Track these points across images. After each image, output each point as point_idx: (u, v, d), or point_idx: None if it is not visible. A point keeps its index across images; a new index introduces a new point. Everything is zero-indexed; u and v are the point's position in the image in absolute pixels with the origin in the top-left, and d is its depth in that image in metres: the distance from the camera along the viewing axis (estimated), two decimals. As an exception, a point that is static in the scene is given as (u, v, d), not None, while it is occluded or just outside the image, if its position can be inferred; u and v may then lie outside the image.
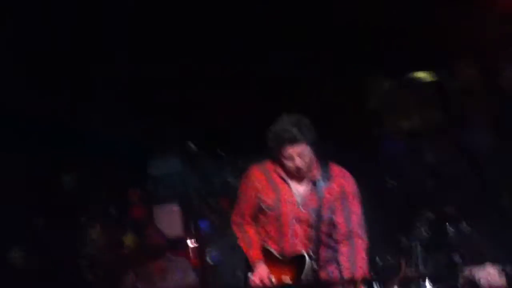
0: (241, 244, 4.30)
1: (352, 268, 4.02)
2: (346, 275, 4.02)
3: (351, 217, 4.12)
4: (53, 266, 6.09)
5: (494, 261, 4.29)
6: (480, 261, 4.40)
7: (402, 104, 8.18)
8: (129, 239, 6.10)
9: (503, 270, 4.18)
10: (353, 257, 4.06)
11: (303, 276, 3.99)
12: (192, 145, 4.21)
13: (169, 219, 6.19)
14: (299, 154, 3.99)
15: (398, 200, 6.47)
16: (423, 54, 7.13)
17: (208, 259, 5.59)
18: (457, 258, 4.79)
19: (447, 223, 5.24)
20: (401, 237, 5.64)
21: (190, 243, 6.20)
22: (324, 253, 4.10)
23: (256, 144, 4.84)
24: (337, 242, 4.11)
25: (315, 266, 4.01)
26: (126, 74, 6.68)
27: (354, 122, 7.26)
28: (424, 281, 4.53)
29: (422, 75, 7.92)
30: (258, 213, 4.24)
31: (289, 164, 4.03)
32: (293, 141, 3.97)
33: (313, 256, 4.01)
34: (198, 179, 6.65)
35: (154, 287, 5.48)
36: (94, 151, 6.71)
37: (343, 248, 4.09)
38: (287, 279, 4.02)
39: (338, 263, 4.15)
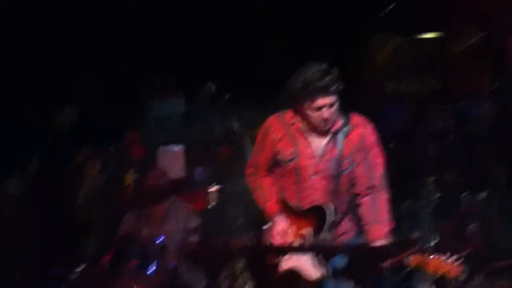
0: (257, 197, 4.21)
1: (374, 221, 3.93)
2: (367, 229, 3.95)
3: (372, 169, 4.01)
4: (49, 202, 6.00)
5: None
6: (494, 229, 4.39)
7: (404, 66, 8.14)
8: (129, 178, 6.00)
9: None
10: (375, 210, 3.96)
11: (324, 229, 3.95)
12: (213, 86, 4.08)
13: (171, 161, 6.08)
14: (329, 105, 3.86)
15: (402, 164, 6.45)
16: (428, 15, 7.08)
17: (209, 205, 5.53)
18: (471, 226, 4.75)
19: (458, 190, 5.17)
20: (406, 201, 5.64)
21: (192, 187, 6.13)
22: (343, 208, 4.03)
23: (266, 92, 4.74)
24: (357, 195, 4.02)
25: (335, 217, 3.94)
26: (132, 8, 6.52)
27: (356, 83, 7.19)
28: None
29: (426, 36, 7.86)
30: (274, 166, 4.16)
31: (315, 115, 3.89)
32: (326, 91, 3.81)
33: (334, 208, 3.94)
34: (202, 124, 6.55)
35: (154, 229, 5.42)
36: (97, 87, 6.58)
37: (364, 202, 4.00)
38: (306, 232, 3.98)
39: (355, 220, 4.12)
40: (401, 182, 5.92)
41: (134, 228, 5.47)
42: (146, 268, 5.03)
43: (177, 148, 6.02)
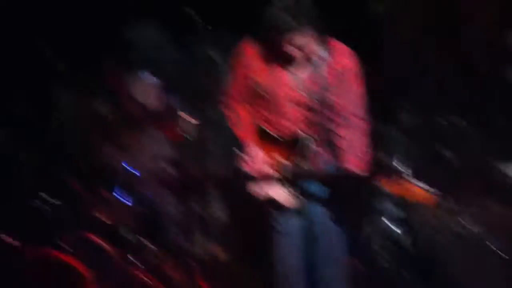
0: (232, 125, 4.20)
1: (351, 150, 3.92)
2: (346, 159, 3.93)
3: (350, 98, 3.94)
4: (22, 127, 5.90)
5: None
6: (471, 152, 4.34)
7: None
8: (103, 107, 5.87)
9: None
10: (353, 139, 3.94)
11: (300, 157, 3.91)
12: (194, 15, 3.97)
13: (145, 90, 5.93)
14: (298, 42, 3.73)
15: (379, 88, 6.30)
16: None
17: (184, 134, 5.45)
18: (446, 152, 4.69)
19: (437, 116, 5.05)
20: (383, 127, 5.55)
21: (169, 117, 6.02)
22: (320, 137, 4.00)
23: (248, 18, 4.58)
24: (335, 124, 3.97)
25: (312, 146, 3.92)
26: None
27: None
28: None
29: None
30: (251, 94, 4.10)
31: (285, 49, 3.79)
32: (293, 29, 3.67)
33: (311, 137, 3.91)
34: (179, 51, 6.38)
35: (128, 159, 5.37)
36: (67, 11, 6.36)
37: (342, 131, 3.96)
38: (282, 160, 3.94)
39: (332, 149, 4.09)
40: (378, 107, 5.85)
41: (108, 157, 5.42)
42: (119, 197, 5.00)
43: (151, 77, 5.86)
